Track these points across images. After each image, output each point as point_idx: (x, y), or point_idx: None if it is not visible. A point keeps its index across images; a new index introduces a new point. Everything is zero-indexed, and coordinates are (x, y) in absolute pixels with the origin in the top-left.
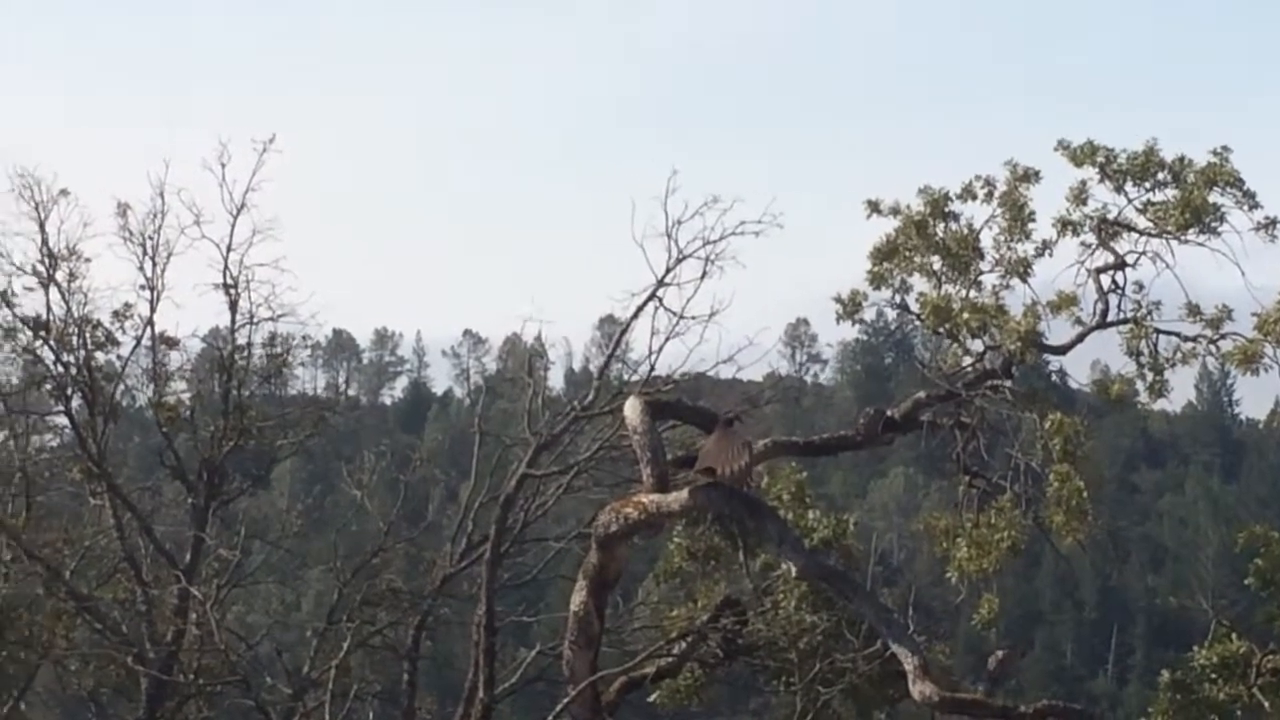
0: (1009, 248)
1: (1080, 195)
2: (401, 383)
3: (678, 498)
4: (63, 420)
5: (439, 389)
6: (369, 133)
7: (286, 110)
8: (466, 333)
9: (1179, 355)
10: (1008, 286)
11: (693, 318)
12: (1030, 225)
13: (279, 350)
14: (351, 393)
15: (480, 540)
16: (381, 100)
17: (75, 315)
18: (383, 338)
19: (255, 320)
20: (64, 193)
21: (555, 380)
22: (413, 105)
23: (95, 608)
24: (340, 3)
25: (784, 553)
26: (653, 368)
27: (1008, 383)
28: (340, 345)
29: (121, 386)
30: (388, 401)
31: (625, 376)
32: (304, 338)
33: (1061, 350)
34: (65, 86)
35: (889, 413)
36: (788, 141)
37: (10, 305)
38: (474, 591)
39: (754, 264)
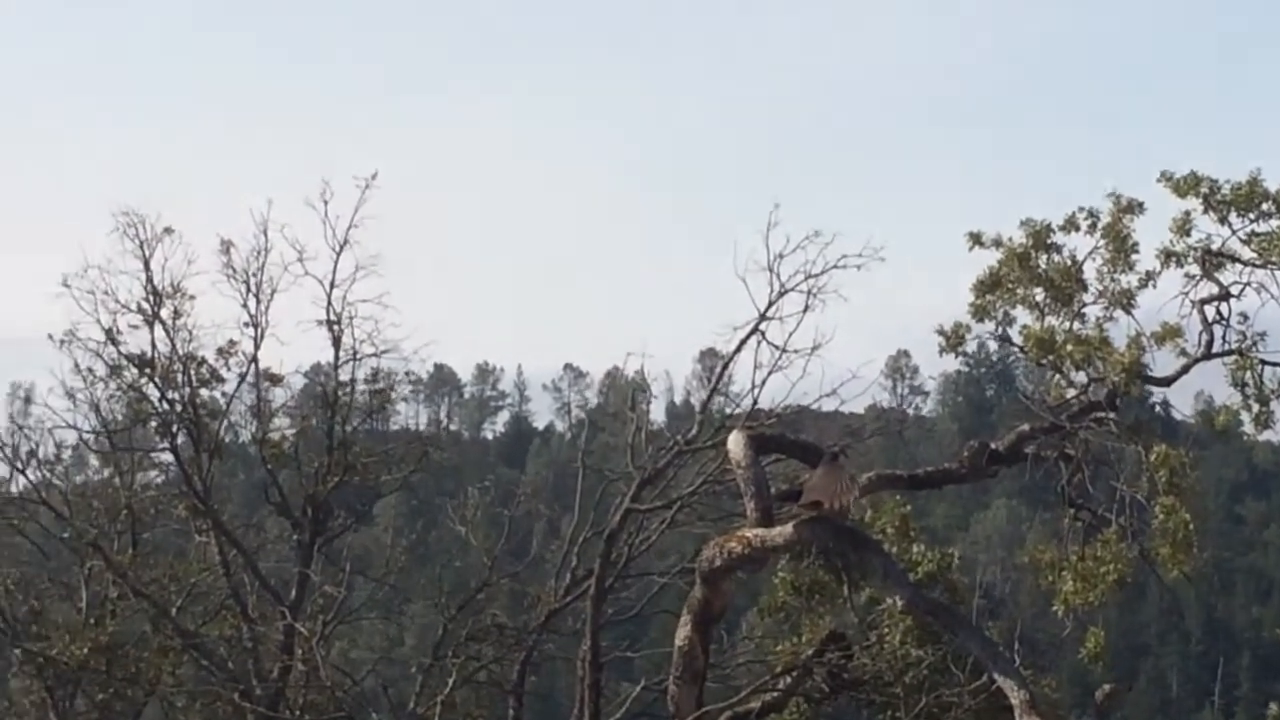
0: (1112, 279)
1: (1184, 226)
2: (503, 417)
3: (782, 532)
4: (168, 457)
5: (540, 423)
6: (471, 165)
7: (390, 143)
8: (567, 367)
9: None
10: (1111, 318)
11: (795, 351)
12: (1134, 257)
13: (382, 386)
14: (453, 427)
15: (585, 575)
16: (484, 133)
17: (180, 352)
18: (484, 372)
19: (358, 356)
20: (168, 230)
21: (657, 414)
22: (514, 139)
23: (202, 644)
24: (435, 33)
25: (889, 587)
26: (755, 401)
27: (1112, 415)
28: (442, 380)
29: (226, 423)
30: (489, 436)
31: (727, 410)
32: (406, 373)
33: (1166, 382)
34: (170, 124)
35: (993, 445)
36: (888, 173)
37: (116, 343)
38: (579, 627)
39: (855, 296)
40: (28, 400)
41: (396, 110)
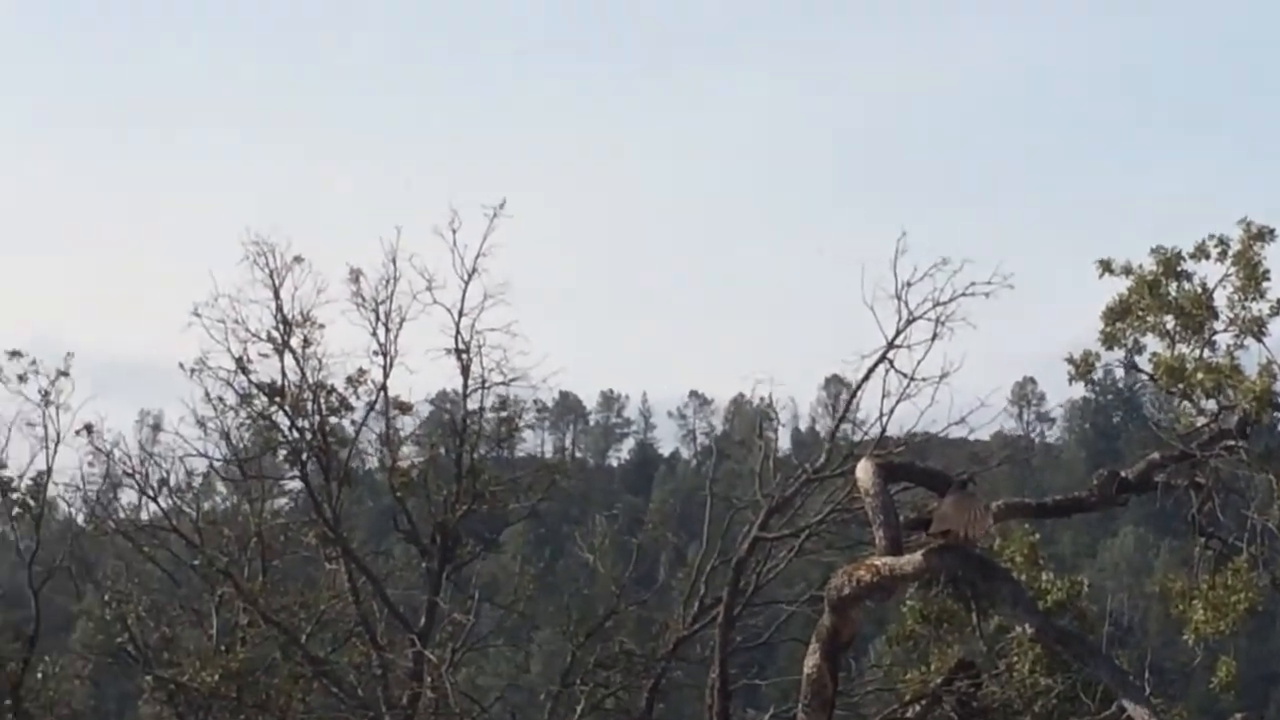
0: (1243, 307)
1: None
2: (628, 444)
3: (911, 560)
4: (297, 485)
5: (665, 450)
6: (596, 192)
7: (514, 173)
8: (692, 393)
9: None
10: (1242, 346)
11: (923, 379)
12: (1265, 284)
13: (510, 415)
14: (578, 454)
15: (713, 603)
16: (605, 164)
17: (310, 381)
18: (609, 399)
19: (487, 384)
20: (298, 259)
21: (782, 441)
22: (634, 168)
23: (331, 671)
24: (561, 62)
25: (1018, 615)
26: (884, 429)
27: (1243, 443)
28: (567, 407)
29: (354, 451)
30: (614, 463)
31: (854, 437)
32: (534, 402)
33: None
34: (301, 155)
35: (1123, 474)
36: (1014, 200)
37: (246, 372)
38: (707, 654)
39: (983, 323)
40: (156, 428)
41: (523, 136)
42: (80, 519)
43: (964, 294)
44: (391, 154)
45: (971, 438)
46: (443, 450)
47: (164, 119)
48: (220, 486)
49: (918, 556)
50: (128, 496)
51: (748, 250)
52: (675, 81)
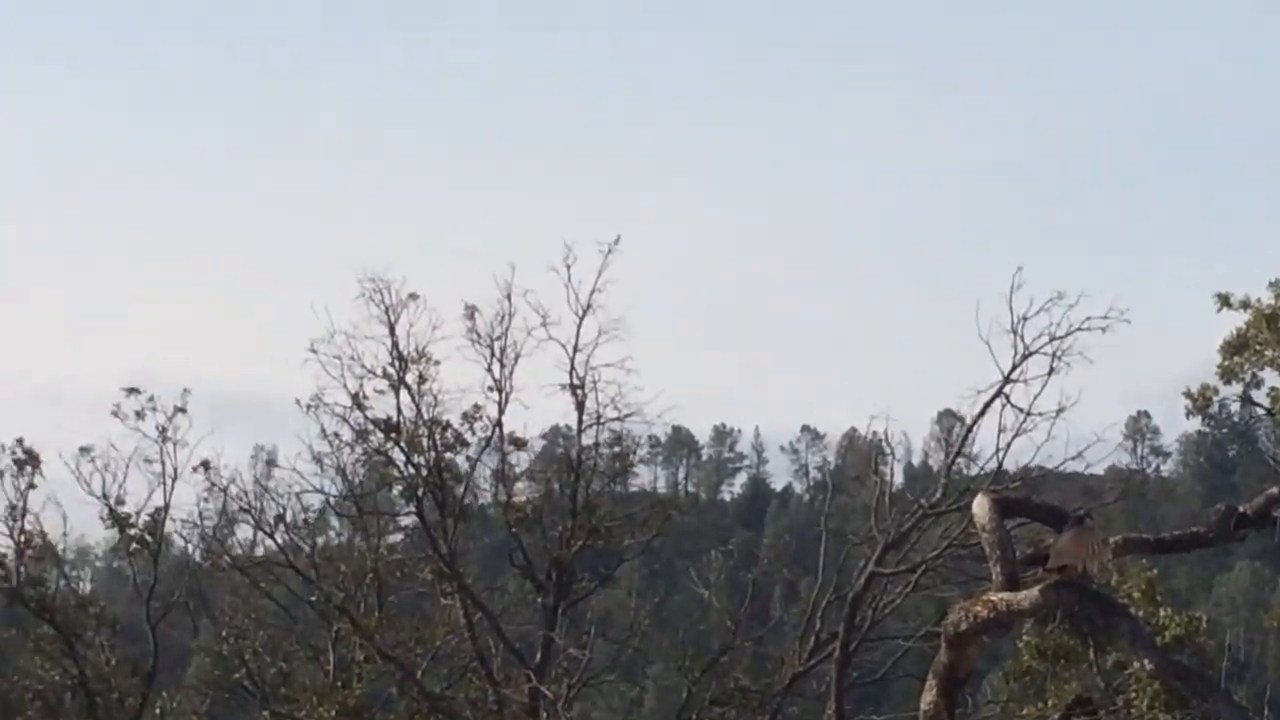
0: None
1: None
2: (740, 479)
3: (1028, 596)
4: (413, 521)
5: (778, 485)
6: (708, 231)
7: (629, 208)
8: (804, 428)
9: None
10: None
11: (1039, 414)
12: None
13: (625, 451)
14: (691, 489)
15: (828, 639)
16: (722, 200)
17: (425, 417)
18: (721, 434)
19: (601, 420)
20: (413, 296)
21: (895, 476)
22: (749, 205)
23: (448, 707)
24: (670, 100)
25: (1136, 651)
26: (1000, 464)
27: None
28: (680, 442)
29: (468, 486)
30: (727, 498)
31: (967, 472)
32: (649, 438)
33: None
34: (416, 190)
35: (1241, 508)
36: (1131, 235)
37: (362, 408)
38: (823, 690)
39: (1098, 357)
40: (271, 463)
41: (638, 172)
42: (196, 554)
43: (1080, 329)
44: (508, 190)
45: (1086, 472)
46: (557, 486)
47: (284, 155)
48: (335, 522)
49: (1035, 592)
50: (243, 532)
51: (859, 285)
52: (792, 119)
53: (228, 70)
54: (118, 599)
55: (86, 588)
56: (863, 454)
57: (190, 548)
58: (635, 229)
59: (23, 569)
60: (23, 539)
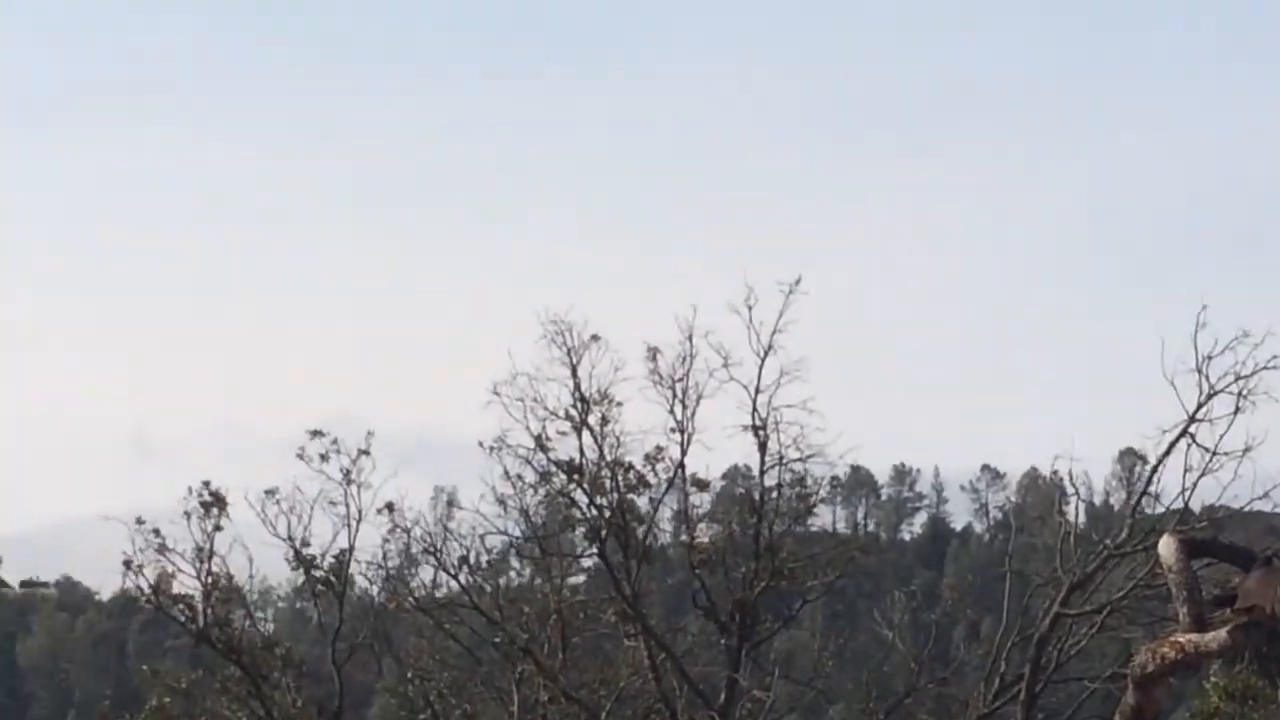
0: None
1: None
2: (920, 518)
3: (1216, 637)
4: (595, 562)
5: (958, 524)
6: (886, 271)
7: (809, 248)
8: (984, 467)
9: None
10: None
11: (1225, 453)
12: None
13: (809, 492)
14: (870, 528)
15: (1013, 680)
16: (900, 241)
17: (608, 459)
18: (901, 473)
19: (784, 461)
20: (595, 338)
21: (1077, 516)
22: (927, 246)
23: None
24: (852, 142)
25: None
26: (1186, 504)
27: None
28: (859, 481)
29: (651, 527)
30: (906, 537)
31: (1153, 512)
32: (831, 479)
33: None
34: (594, 234)
35: None
36: None
37: (545, 450)
38: None
39: None
40: (451, 504)
41: (813, 213)
42: (378, 595)
43: (1266, 367)
44: (689, 233)
45: (1273, 511)
46: (739, 527)
47: (468, 206)
48: (515, 563)
49: (1223, 633)
50: (424, 573)
51: (1039, 323)
52: (969, 159)
53: (415, 120)
54: (301, 639)
55: (270, 628)
56: (1044, 493)
57: (372, 588)
58: (816, 265)
59: (209, 611)
60: (209, 581)
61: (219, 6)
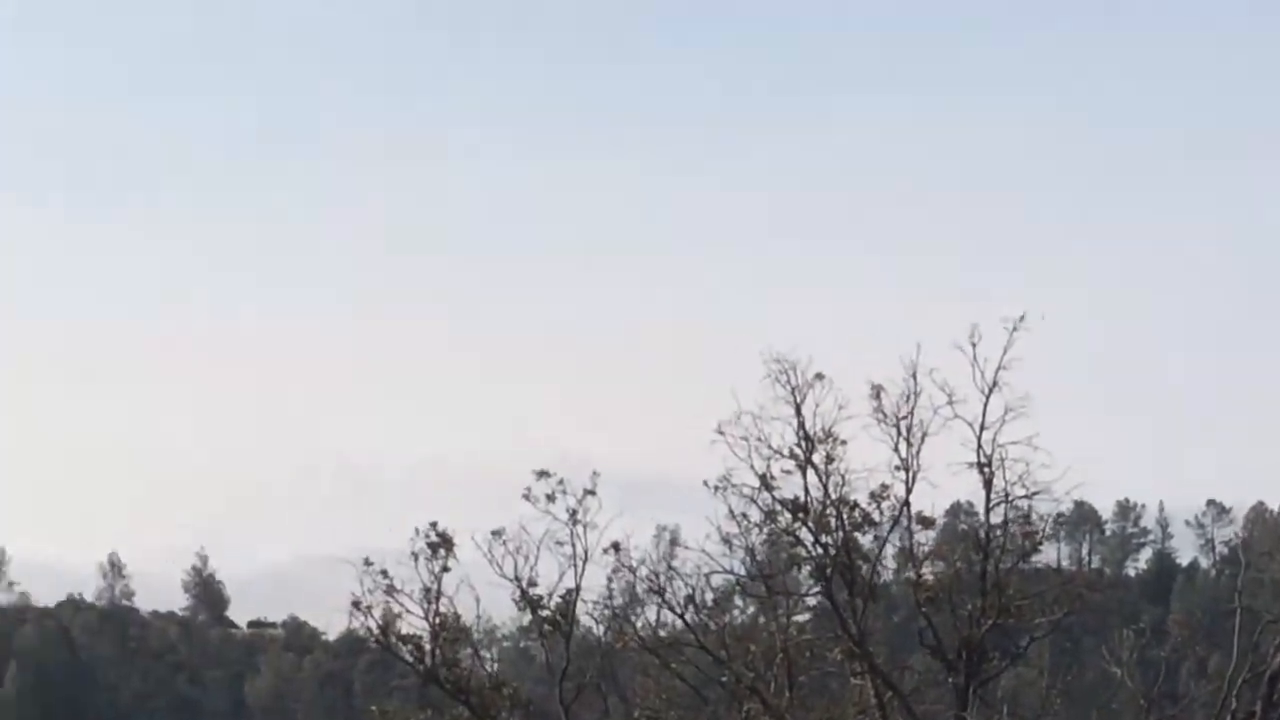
0: None
1: None
2: (1145, 554)
3: None
4: (820, 600)
5: (1184, 560)
6: (1106, 305)
7: (1029, 284)
8: (1210, 502)
9: None
10: None
11: None
12: None
13: (1036, 530)
14: (1095, 564)
15: (1244, 716)
16: (1120, 275)
17: (832, 497)
18: (1125, 509)
19: (1010, 498)
20: (819, 376)
21: None
22: (1151, 279)
23: None
24: (1068, 173)
25: None
26: None
27: None
28: (1082, 517)
29: (876, 565)
30: (1131, 573)
31: None
32: (1057, 516)
33: None
34: (818, 275)
35: None
36: None
37: (770, 488)
38: None
39: None
40: (674, 542)
41: (1042, 245)
42: (604, 634)
43: None
44: (910, 269)
45: None
46: (962, 564)
47: (700, 250)
48: (738, 601)
49: None
50: (648, 611)
51: (1265, 355)
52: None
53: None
54: (525, 678)
55: (495, 668)
56: (1271, 528)
57: (600, 628)
58: (1035, 300)
59: (438, 651)
60: (437, 621)
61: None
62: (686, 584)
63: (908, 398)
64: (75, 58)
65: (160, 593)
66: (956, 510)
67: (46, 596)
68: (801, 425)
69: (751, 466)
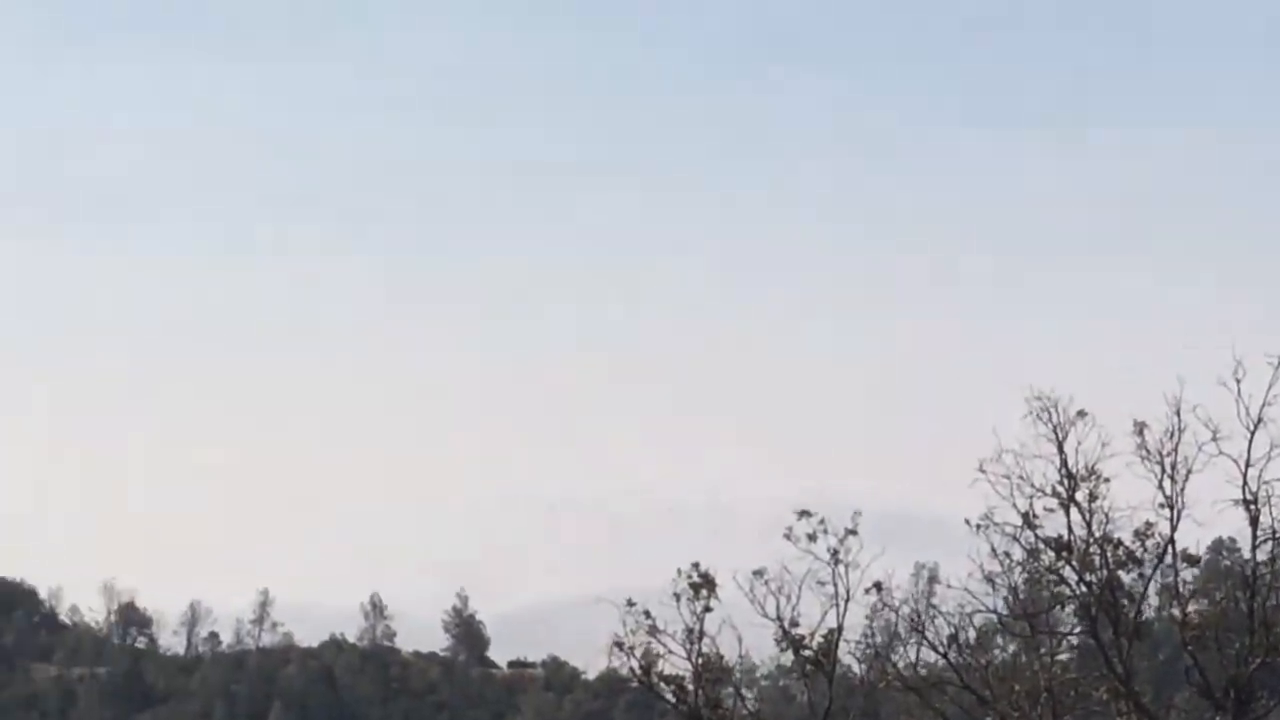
0: None
1: None
2: None
3: None
4: (1083, 639)
5: None
6: None
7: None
8: None
9: None
10: None
11: None
12: None
13: None
14: None
15: None
16: None
17: (1096, 535)
18: None
19: (1277, 535)
20: (1081, 414)
21: None
22: None
23: None
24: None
25: None
26: None
27: None
28: None
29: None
30: None
31: None
32: None
33: None
34: (1079, 315)
35: None
36: None
37: (1032, 527)
38: None
39: None
40: (933, 580)
41: None
42: (863, 672)
43: None
44: (1173, 303)
45: None
46: (1228, 601)
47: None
48: (998, 639)
49: None
50: (907, 648)
51: None
52: None
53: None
54: (785, 718)
55: (755, 707)
56: None
57: (860, 667)
58: None
59: (700, 691)
60: (700, 661)
61: None
62: (948, 622)
63: (1171, 434)
64: None
65: (421, 633)
66: (1218, 547)
67: (310, 637)
68: (1064, 463)
69: (1014, 504)
